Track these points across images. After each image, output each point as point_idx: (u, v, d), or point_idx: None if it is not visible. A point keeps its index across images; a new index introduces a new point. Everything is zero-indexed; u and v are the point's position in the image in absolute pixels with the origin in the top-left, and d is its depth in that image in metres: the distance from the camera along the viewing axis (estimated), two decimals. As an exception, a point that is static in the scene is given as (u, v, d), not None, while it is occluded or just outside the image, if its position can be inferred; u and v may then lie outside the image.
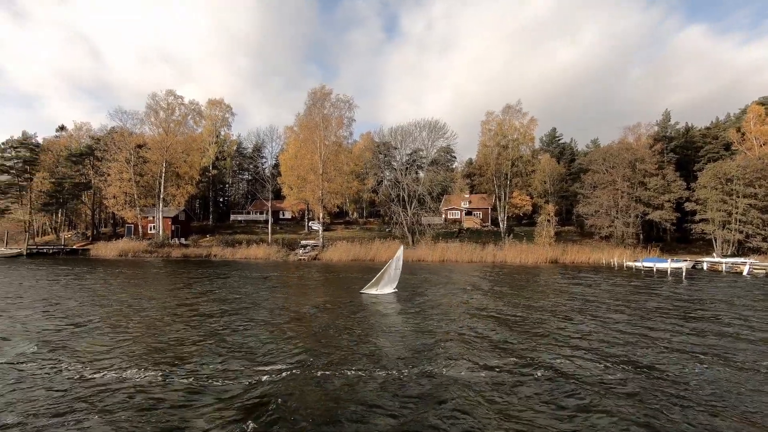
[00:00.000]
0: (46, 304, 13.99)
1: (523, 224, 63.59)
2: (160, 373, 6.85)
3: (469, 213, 65.82)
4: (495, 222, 60.98)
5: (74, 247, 51.08)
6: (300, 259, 42.04)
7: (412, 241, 47.98)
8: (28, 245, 48.99)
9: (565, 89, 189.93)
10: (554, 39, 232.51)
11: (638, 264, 36.17)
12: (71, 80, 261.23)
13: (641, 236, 49.59)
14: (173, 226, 54.64)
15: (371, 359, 7.82)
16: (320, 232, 49.49)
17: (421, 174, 59.31)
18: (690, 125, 64.10)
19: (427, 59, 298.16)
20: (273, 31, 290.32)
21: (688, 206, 47.43)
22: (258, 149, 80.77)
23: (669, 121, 62.91)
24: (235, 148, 76.56)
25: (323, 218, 51.04)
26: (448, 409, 5.61)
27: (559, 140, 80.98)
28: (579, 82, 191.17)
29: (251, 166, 79.79)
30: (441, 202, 64.23)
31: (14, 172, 55.01)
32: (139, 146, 52.13)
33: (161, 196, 51.86)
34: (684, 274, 29.35)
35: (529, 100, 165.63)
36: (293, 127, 54.24)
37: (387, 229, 56.40)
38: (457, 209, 65.90)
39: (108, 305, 14.03)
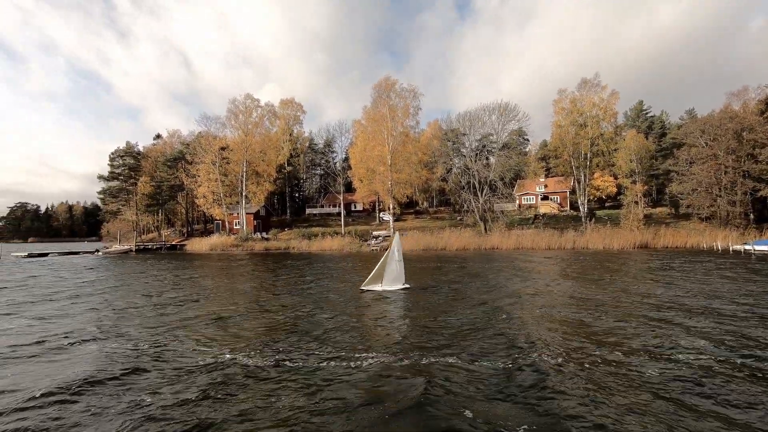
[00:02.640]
0: (161, 293, 15.78)
1: (606, 207, 59.09)
2: (251, 356, 7.41)
3: (545, 198, 62.55)
4: (574, 206, 57.30)
5: (173, 243, 56.92)
6: (372, 250, 42.94)
7: (485, 229, 46.75)
8: (136, 242, 55.44)
9: (660, 55, 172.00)
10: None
11: (748, 247, 31.96)
12: (167, 90, 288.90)
13: (751, 216, 43.74)
14: (255, 222, 58.63)
15: (449, 348, 7.77)
16: (391, 223, 50.09)
17: (492, 159, 57.31)
18: (813, 84, 54.45)
19: (502, 36, 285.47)
20: (345, 23, 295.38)
21: (813, 179, 40.78)
22: (329, 144, 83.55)
23: (785, 81, 54.18)
24: (307, 144, 79.82)
25: (393, 209, 51.54)
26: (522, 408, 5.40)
27: (646, 113, 73.70)
28: (679, 46, 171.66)
29: (323, 161, 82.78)
30: (514, 187, 61.73)
31: (122, 178, 62.46)
32: (222, 148, 56.34)
33: (243, 194, 55.81)
34: (809, 258, 25.34)
35: (616, 72, 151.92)
36: (361, 121, 55.19)
37: (458, 218, 55.54)
38: (531, 194, 62.94)
39: (208, 294, 15.44)
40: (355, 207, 73.32)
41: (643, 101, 74.02)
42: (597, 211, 54.00)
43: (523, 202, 62.88)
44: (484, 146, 60.72)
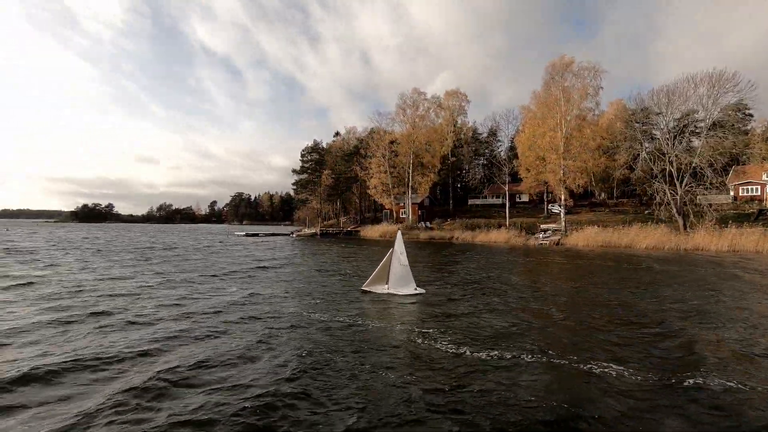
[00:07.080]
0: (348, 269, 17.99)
1: None
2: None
3: (776, 188, 48.81)
4: (826, 199, 43.11)
5: (349, 229, 63.72)
6: (541, 244, 40.27)
7: (684, 226, 39.04)
8: (320, 228, 63.90)
9: None
10: None
11: None
12: (348, 88, 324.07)
13: None
14: (419, 211, 61.25)
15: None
16: (562, 216, 46.04)
17: (696, 142, 47.14)
18: None
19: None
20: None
21: None
22: (493, 133, 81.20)
23: None
24: (470, 134, 79.17)
25: (565, 200, 47.24)
26: None
27: None
28: None
29: (486, 151, 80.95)
30: (728, 175, 49.83)
31: (309, 171, 72.53)
32: (392, 142, 60.18)
33: (410, 185, 58.70)
34: None
35: None
36: (529, 106, 51.84)
37: (646, 211, 47.74)
38: (755, 183, 49.86)
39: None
40: (520, 198, 69.72)
41: None
42: None
43: (741, 194, 50.34)
44: (685, 126, 50.43)
